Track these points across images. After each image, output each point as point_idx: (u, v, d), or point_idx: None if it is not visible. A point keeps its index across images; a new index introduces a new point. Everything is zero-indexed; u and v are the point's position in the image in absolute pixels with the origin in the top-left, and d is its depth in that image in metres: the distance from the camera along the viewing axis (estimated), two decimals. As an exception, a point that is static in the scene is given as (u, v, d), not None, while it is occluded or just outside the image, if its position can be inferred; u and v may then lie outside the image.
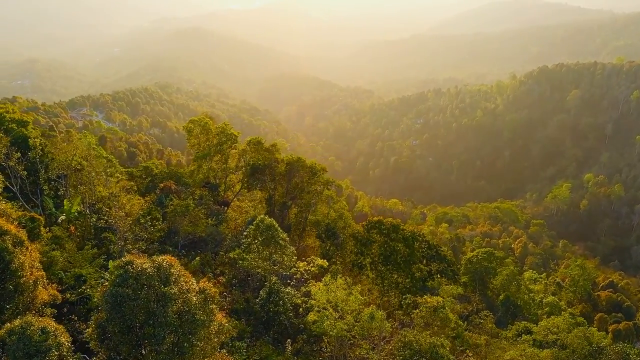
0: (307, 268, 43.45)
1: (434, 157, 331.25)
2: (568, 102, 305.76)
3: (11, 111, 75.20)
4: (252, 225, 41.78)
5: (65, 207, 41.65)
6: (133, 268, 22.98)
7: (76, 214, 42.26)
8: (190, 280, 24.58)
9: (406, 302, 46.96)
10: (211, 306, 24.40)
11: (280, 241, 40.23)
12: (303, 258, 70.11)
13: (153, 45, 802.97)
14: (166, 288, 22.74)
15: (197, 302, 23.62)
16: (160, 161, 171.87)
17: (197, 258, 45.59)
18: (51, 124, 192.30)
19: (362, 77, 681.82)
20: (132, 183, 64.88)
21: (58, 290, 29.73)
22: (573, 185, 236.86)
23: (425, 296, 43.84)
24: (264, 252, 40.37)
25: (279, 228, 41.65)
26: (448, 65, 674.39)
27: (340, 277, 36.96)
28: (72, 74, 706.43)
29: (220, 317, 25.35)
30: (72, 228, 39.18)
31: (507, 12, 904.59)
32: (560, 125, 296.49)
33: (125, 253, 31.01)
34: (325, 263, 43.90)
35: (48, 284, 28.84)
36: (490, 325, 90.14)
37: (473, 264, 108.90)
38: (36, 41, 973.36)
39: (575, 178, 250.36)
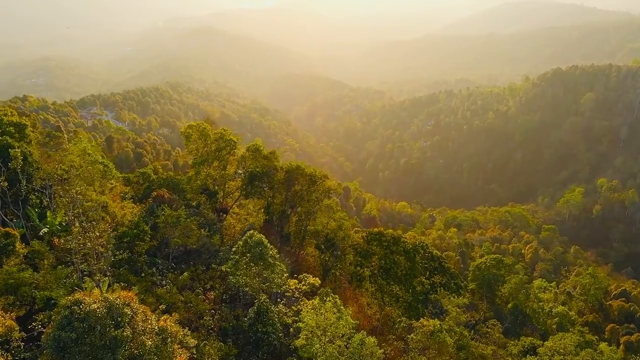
0: (298, 286, 41.69)
1: (445, 159, 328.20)
2: (582, 105, 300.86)
3: (9, 114, 74.40)
4: (241, 240, 40.07)
5: (48, 218, 40.31)
6: (80, 309, 21.23)
7: (59, 226, 40.91)
8: (149, 319, 22.75)
9: (401, 325, 44.92)
10: (171, 347, 22.57)
11: (269, 259, 38.46)
12: (302, 267, 68.76)
13: (165, 44, 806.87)
14: (117, 331, 20.93)
15: (152, 345, 21.78)
16: (166, 162, 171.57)
17: (185, 274, 44.01)
18: (59, 123, 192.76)
19: (373, 78, 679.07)
20: (128, 189, 63.70)
21: (30, 312, 28.19)
22: (586, 190, 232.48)
23: (421, 319, 41.86)
24: (252, 270, 38.66)
25: (268, 244, 39.88)
26: (460, 66, 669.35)
27: (330, 301, 35.16)
28: (86, 73, 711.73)
29: (183, 358, 23.53)
30: (56, 241, 37.74)
31: (520, 13, 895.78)
32: (574, 128, 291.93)
33: (76, 289, 28.98)
34: (317, 281, 42.10)
35: (17, 308, 27.24)
36: (497, 335, 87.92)
37: (481, 270, 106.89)
38: (51, 39, 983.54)
39: (588, 182, 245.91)
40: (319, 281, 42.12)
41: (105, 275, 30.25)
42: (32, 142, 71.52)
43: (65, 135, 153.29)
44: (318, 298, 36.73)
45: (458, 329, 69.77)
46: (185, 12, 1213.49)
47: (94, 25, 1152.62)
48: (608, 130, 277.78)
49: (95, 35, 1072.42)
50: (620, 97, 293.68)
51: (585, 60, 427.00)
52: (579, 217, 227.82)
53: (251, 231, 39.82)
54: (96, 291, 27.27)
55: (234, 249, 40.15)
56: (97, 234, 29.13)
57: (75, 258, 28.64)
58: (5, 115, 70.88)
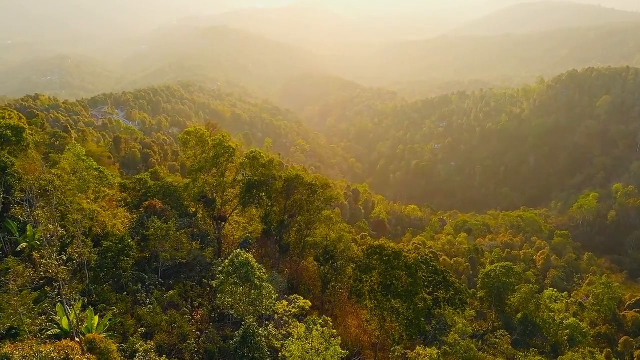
0: (287, 309, 39.53)
1: (457, 162, 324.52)
2: (598, 108, 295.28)
3: (7, 117, 73.20)
4: (227, 260, 38.07)
5: (28, 232, 38.56)
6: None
7: (38, 241, 39.14)
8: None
9: (394, 355, 42.63)
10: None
11: (256, 281, 36.36)
12: (302, 278, 66.80)
13: (179, 43, 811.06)
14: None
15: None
16: (173, 163, 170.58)
17: (171, 292, 42.03)
18: (68, 123, 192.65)
19: (386, 78, 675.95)
20: (125, 195, 62.08)
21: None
22: (600, 195, 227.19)
23: (417, 348, 39.55)
24: (239, 290, 36.59)
25: (256, 265, 37.76)
26: (474, 67, 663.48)
27: (317, 330, 32.97)
28: (100, 71, 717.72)
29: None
30: (36, 256, 35.89)
31: (536, 14, 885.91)
32: (589, 131, 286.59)
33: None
34: (308, 304, 39.95)
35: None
36: (506, 346, 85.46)
37: (491, 278, 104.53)
38: (67, 37, 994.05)
39: (603, 187, 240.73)
40: (310, 303, 40.02)
41: (70, 303, 28.32)
42: (30, 146, 70.40)
43: (74, 135, 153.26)
44: (304, 326, 34.55)
45: (464, 342, 67.42)
46: (199, 11, 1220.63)
47: (109, 23, 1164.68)
48: (624, 134, 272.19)
49: (110, 33, 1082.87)
50: (637, 101, 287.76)
51: (601, 62, 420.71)
52: (593, 223, 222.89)
53: (238, 251, 37.79)
54: (64, 321, 25.48)
55: (219, 269, 38.23)
56: (65, 258, 27.28)
57: (14, 300, 26.58)
58: (3, 118, 69.66)
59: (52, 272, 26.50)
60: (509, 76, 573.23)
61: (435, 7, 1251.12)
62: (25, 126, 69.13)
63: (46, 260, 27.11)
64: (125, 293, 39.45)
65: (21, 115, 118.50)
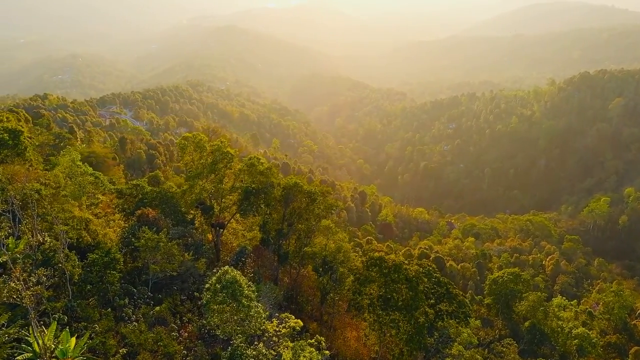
0: (277, 329, 37.84)
1: (465, 164, 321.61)
2: (610, 111, 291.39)
3: (5, 119, 72.31)
4: (214, 277, 36.51)
5: (10, 245, 37.25)
6: None
7: (18, 255, 37.71)
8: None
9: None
10: None
11: (243, 300, 34.73)
12: (302, 287, 65.29)
13: (189, 42, 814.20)
14: None
15: None
16: (178, 164, 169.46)
17: (157, 308, 40.48)
18: (74, 124, 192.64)
19: (396, 78, 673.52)
20: (121, 201, 60.77)
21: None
22: (612, 199, 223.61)
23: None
24: (226, 309, 34.95)
25: (244, 283, 36.12)
26: (485, 68, 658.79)
27: (304, 356, 31.28)
28: (111, 70, 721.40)
29: None
30: (18, 270, 34.41)
31: (548, 14, 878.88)
32: (601, 134, 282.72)
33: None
34: (299, 324, 38.26)
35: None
36: (513, 355, 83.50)
37: (498, 285, 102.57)
38: (78, 36, 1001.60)
39: (614, 191, 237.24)
40: (301, 323, 38.35)
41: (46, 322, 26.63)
42: (28, 149, 69.34)
43: (80, 136, 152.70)
44: (292, 352, 32.84)
45: (468, 353, 65.59)
46: (210, 11, 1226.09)
47: (122, 22, 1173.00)
48: (637, 137, 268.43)
49: (121, 32, 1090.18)
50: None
51: (614, 63, 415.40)
52: (604, 228, 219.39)
53: (225, 267, 36.26)
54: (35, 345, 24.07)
55: (206, 286, 36.74)
56: (35, 280, 25.81)
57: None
58: (1, 121, 68.69)
59: (16, 297, 25.04)
60: (519, 77, 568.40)
61: (445, 7, 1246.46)
62: (24, 128, 68.09)
63: (10, 284, 25.63)
64: (109, 309, 38.01)
65: (27, 115, 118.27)
